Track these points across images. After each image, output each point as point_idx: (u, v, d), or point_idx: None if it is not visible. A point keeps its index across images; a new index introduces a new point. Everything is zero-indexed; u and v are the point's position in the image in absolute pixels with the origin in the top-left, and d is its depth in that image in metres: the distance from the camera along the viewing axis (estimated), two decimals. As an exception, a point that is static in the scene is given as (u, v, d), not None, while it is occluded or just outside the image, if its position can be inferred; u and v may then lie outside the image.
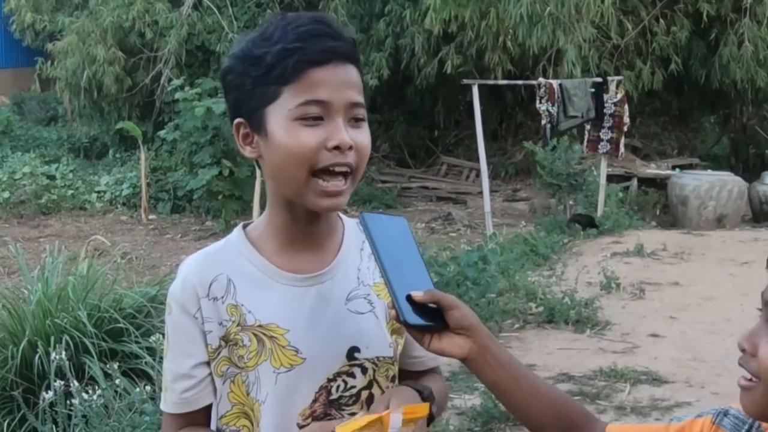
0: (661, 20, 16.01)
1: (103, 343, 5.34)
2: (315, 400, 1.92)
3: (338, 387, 1.94)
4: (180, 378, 1.94)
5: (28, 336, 5.35)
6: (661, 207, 15.33)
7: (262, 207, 1.88)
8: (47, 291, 5.71)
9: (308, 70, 1.81)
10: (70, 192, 16.47)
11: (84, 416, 4.59)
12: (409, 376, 2.08)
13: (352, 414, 1.91)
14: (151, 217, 15.51)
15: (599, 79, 13.59)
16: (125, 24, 17.34)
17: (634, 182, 15.79)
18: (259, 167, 1.96)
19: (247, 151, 1.91)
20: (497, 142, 19.13)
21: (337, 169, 1.82)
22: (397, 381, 2.03)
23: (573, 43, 14.23)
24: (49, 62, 19.03)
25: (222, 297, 1.91)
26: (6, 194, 15.85)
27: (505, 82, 15.40)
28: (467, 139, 18.83)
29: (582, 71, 14.27)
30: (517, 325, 8.46)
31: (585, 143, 13.71)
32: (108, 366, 4.91)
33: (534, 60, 15.48)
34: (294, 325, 1.91)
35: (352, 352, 1.94)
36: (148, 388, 4.74)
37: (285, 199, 1.90)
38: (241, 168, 14.00)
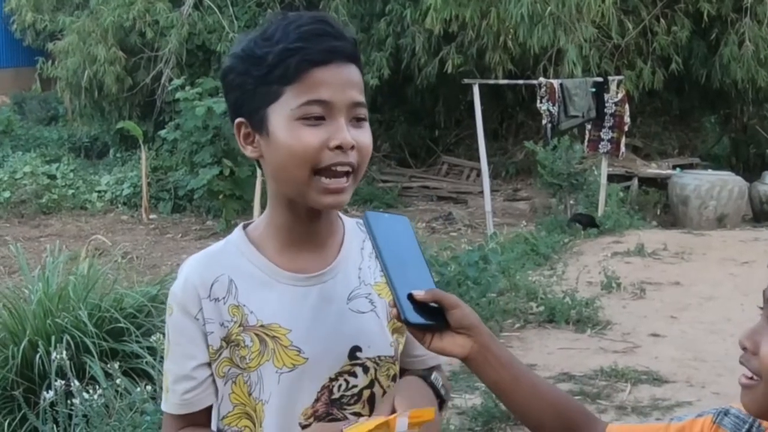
0: (662, 20, 16.00)
1: (104, 343, 5.35)
2: (317, 400, 1.91)
3: (340, 386, 1.94)
4: (181, 379, 1.93)
5: (29, 335, 5.36)
6: (662, 207, 15.32)
7: (263, 206, 1.88)
8: (48, 290, 5.71)
9: (310, 70, 1.81)
10: (70, 191, 16.47)
11: (85, 416, 4.60)
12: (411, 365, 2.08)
13: (355, 413, 1.91)
14: (151, 216, 15.51)
15: (600, 79, 13.59)
16: (126, 24, 17.34)
17: (635, 182, 15.79)
18: (260, 167, 1.96)
19: (249, 151, 1.91)
20: (498, 142, 19.13)
21: (339, 168, 1.83)
22: (398, 380, 2.02)
23: (574, 42, 14.23)
24: (50, 62, 19.03)
25: (223, 298, 1.91)
26: (7, 194, 15.85)
27: (505, 81, 15.40)
28: (468, 139, 18.82)
29: (583, 71, 14.26)
30: (517, 325, 8.46)
31: (586, 143, 13.71)
32: (109, 365, 4.92)
33: (535, 59, 15.46)
34: (296, 325, 1.90)
35: (353, 352, 1.94)
36: (148, 387, 4.74)
37: (286, 198, 1.90)
38: (241, 167, 14.00)
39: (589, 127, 13.55)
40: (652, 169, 16.37)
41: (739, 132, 19.96)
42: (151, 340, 5.12)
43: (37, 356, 5.19)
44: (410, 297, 1.76)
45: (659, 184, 15.81)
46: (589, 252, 11.65)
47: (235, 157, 13.87)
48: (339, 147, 1.81)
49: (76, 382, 4.67)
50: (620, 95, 13.46)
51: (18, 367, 5.24)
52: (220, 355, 1.91)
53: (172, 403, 1.96)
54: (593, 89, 13.27)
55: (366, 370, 1.96)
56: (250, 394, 1.92)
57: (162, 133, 15.56)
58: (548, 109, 12.95)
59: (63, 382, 4.63)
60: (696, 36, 16.37)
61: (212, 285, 1.91)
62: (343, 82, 1.83)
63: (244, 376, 1.91)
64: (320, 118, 1.81)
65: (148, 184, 15.73)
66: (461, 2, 14.63)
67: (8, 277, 9.97)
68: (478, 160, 14.31)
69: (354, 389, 1.95)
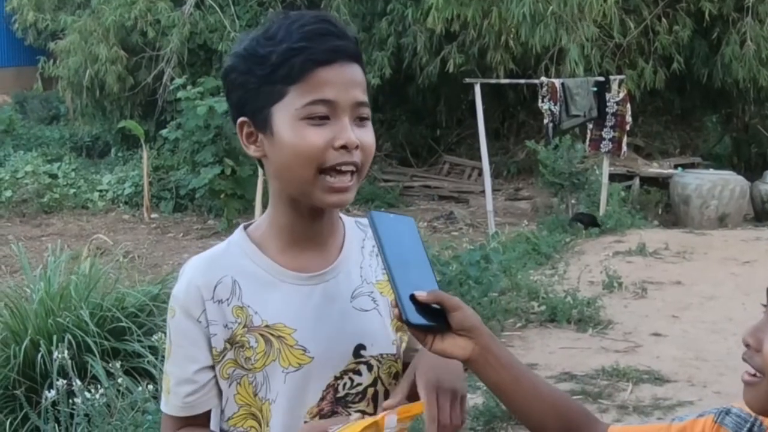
0: (664, 19, 15.99)
1: (106, 342, 5.35)
2: (322, 399, 1.92)
3: (345, 385, 1.94)
4: (183, 382, 1.93)
5: (31, 335, 5.36)
6: (663, 206, 15.32)
7: (265, 206, 1.88)
8: (49, 290, 5.72)
9: (315, 70, 1.81)
10: (72, 191, 16.47)
11: (86, 415, 4.60)
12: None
13: (360, 411, 1.92)
14: (153, 215, 15.50)
15: (601, 78, 13.58)
16: (127, 23, 17.33)
17: (636, 181, 15.79)
18: (262, 166, 1.96)
19: (251, 150, 1.91)
20: (499, 141, 19.12)
21: (344, 168, 1.83)
22: (400, 379, 2.02)
23: (575, 42, 14.22)
24: (52, 61, 19.02)
25: (227, 299, 1.91)
26: (8, 193, 15.86)
27: (507, 81, 15.39)
28: (469, 138, 18.79)
29: (584, 70, 14.26)
30: (519, 324, 8.46)
31: (587, 142, 13.71)
32: (110, 365, 4.92)
33: (536, 59, 15.46)
34: (301, 325, 1.91)
35: (358, 350, 1.94)
36: (150, 387, 4.74)
37: (289, 197, 1.90)
38: (243, 167, 14.01)
39: (590, 126, 13.55)
40: (654, 169, 16.36)
41: (741, 131, 19.95)
42: (152, 339, 5.12)
43: (39, 355, 5.19)
44: (412, 298, 1.76)
45: (661, 183, 15.81)
46: (590, 251, 11.64)
47: (237, 156, 13.88)
48: (344, 147, 1.81)
49: (78, 382, 4.67)
50: (622, 94, 13.45)
51: (20, 366, 5.24)
52: (224, 356, 1.91)
53: (173, 405, 1.96)
54: (595, 88, 13.27)
55: (370, 368, 1.96)
56: (255, 395, 1.92)
57: (163, 132, 15.57)
58: (550, 109, 12.96)
59: (65, 381, 4.63)
60: (697, 35, 16.35)
61: (216, 287, 1.91)
62: (347, 81, 1.84)
63: (249, 376, 1.91)
64: (324, 118, 1.82)
65: (150, 183, 15.73)
66: (463, 1, 14.63)
67: (10, 276, 9.97)
68: (479, 159, 14.32)
69: (359, 387, 1.95)
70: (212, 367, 1.92)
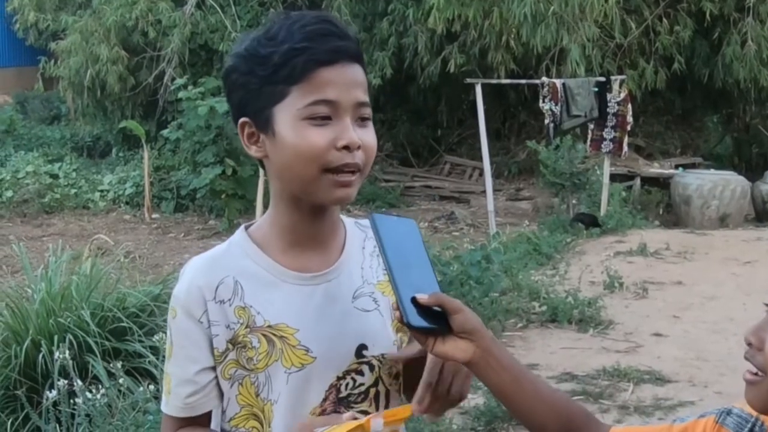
0: (665, 19, 15.99)
1: (107, 342, 5.35)
2: (325, 399, 1.92)
3: (347, 385, 1.94)
4: (184, 383, 1.93)
5: (32, 335, 5.36)
6: (664, 206, 15.32)
7: (266, 206, 1.89)
8: (51, 290, 5.72)
9: (317, 70, 1.81)
10: (73, 191, 16.48)
11: (87, 415, 4.60)
12: (414, 362, 2.08)
13: (362, 412, 1.91)
14: (154, 216, 15.51)
15: (602, 79, 13.59)
16: (128, 23, 17.34)
17: (637, 181, 15.78)
18: (263, 167, 1.96)
19: (253, 151, 1.91)
20: (500, 141, 19.12)
21: (346, 169, 1.83)
22: (401, 378, 2.03)
23: (576, 42, 14.22)
24: (53, 61, 19.03)
25: (229, 299, 1.90)
26: (9, 193, 15.87)
27: (508, 81, 15.40)
28: (470, 138, 18.79)
29: (585, 70, 14.26)
30: (520, 325, 8.46)
31: (588, 142, 13.72)
32: (111, 365, 4.92)
33: (537, 59, 15.47)
34: (303, 325, 1.91)
35: (360, 350, 1.94)
36: (151, 387, 4.74)
37: (292, 196, 1.90)
38: (244, 167, 14.02)
39: (591, 126, 13.56)
40: (655, 169, 16.36)
41: (742, 131, 19.96)
42: (153, 339, 5.12)
43: (40, 356, 5.19)
44: (413, 300, 1.76)
45: (662, 183, 15.81)
46: (591, 251, 11.64)
47: (238, 156, 13.89)
48: (346, 147, 1.81)
49: (79, 382, 4.67)
50: (623, 95, 13.45)
51: (21, 366, 5.24)
52: (225, 357, 1.91)
53: (173, 405, 1.95)
54: (596, 89, 13.27)
55: (372, 368, 1.96)
56: (257, 395, 1.91)
57: (164, 132, 15.59)
58: (551, 109, 12.95)
59: (66, 381, 4.63)
60: (698, 35, 16.36)
61: (218, 287, 1.91)
62: (349, 81, 1.84)
63: (251, 377, 1.90)
64: (326, 118, 1.82)
65: (151, 183, 15.73)
66: (464, 2, 14.64)
67: (11, 276, 9.96)
68: (480, 159, 14.33)
69: (361, 387, 1.95)
70: (213, 368, 1.92)
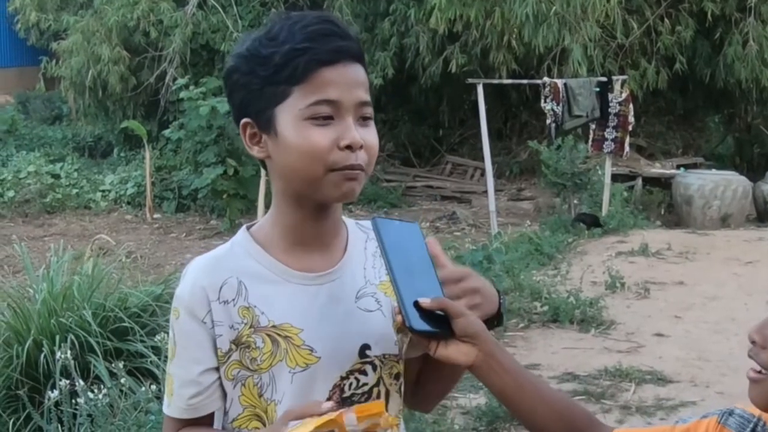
0: (666, 20, 15.99)
1: (108, 342, 5.35)
2: (329, 399, 1.90)
3: (351, 385, 1.94)
4: (187, 384, 1.92)
5: (34, 335, 5.36)
6: (666, 206, 15.31)
7: (267, 206, 1.88)
8: (52, 290, 5.72)
9: (318, 70, 1.81)
10: (74, 191, 16.49)
11: (89, 415, 4.60)
12: (417, 361, 2.08)
13: None
14: (155, 216, 15.52)
15: (604, 79, 13.59)
16: (130, 23, 17.35)
17: (639, 181, 15.78)
18: (264, 167, 1.96)
19: (255, 151, 1.91)
20: (502, 142, 19.12)
21: (351, 169, 1.83)
22: (401, 379, 2.04)
23: (578, 42, 14.22)
24: (54, 61, 19.06)
25: (233, 299, 1.90)
26: (11, 193, 15.88)
27: (509, 81, 15.39)
28: (472, 139, 18.79)
29: (587, 70, 14.26)
30: (521, 325, 8.45)
31: (590, 142, 13.72)
32: (113, 365, 4.92)
33: (539, 59, 15.47)
34: (307, 325, 1.90)
35: (363, 350, 1.94)
36: (153, 387, 4.74)
37: (295, 196, 1.89)
38: (245, 167, 14.03)
39: (593, 126, 13.56)
40: (656, 169, 16.36)
41: (743, 132, 19.95)
42: (155, 339, 5.12)
43: (42, 356, 5.18)
44: (416, 304, 1.76)
45: (663, 183, 15.80)
46: (593, 252, 11.64)
47: (239, 156, 13.90)
48: (349, 147, 1.81)
49: (81, 382, 4.67)
50: (624, 95, 13.45)
51: (22, 366, 5.24)
52: (229, 357, 1.90)
53: (176, 407, 1.95)
54: (597, 89, 13.27)
55: (375, 367, 1.96)
56: (260, 396, 1.91)
57: (166, 132, 15.60)
58: (552, 109, 12.96)
59: (67, 381, 4.63)
60: (700, 36, 16.36)
61: (221, 287, 1.90)
62: (351, 81, 1.84)
63: (254, 378, 1.90)
64: (329, 118, 1.82)
65: (152, 183, 15.74)
66: (466, 2, 14.64)
67: (13, 276, 9.96)
68: (482, 159, 14.34)
69: (364, 387, 1.95)
70: (216, 369, 1.92)
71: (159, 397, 4.64)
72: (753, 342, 1.74)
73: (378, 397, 1.97)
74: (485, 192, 14.24)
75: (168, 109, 17.39)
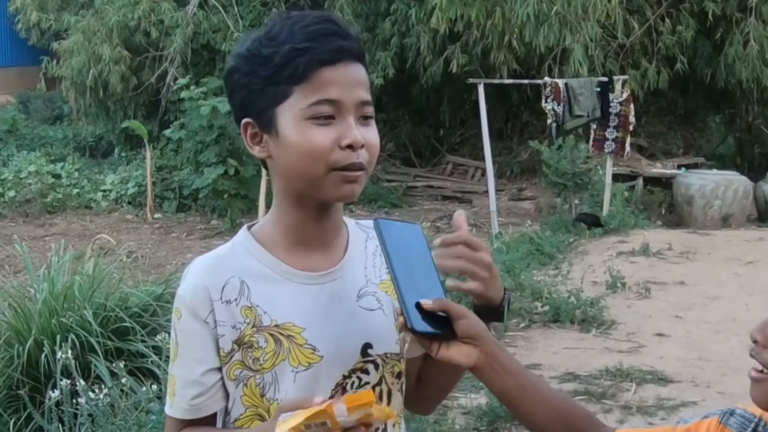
0: (667, 19, 15.98)
1: (109, 342, 5.35)
2: (331, 398, 1.91)
3: (353, 383, 1.94)
4: (190, 384, 1.92)
5: (34, 335, 5.36)
6: (667, 206, 15.30)
7: (268, 206, 1.88)
8: (53, 290, 5.72)
9: (319, 70, 1.81)
10: (75, 191, 16.49)
11: (90, 415, 4.60)
12: (417, 361, 2.09)
13: None
14: (156, 215, 15.52)
15: (605, 79, 13.59)
16: (131, 23, 17.35)
17: (640, 181, 15.76)
18: (265, 167, 1.96)
19: (256, 151, 1.91)
20: (503, 141, 19.12)
21: (352, 168, 1.83)
22: (403, 378, 2.04)
23: (579, 42, 14.22)
24: (55, 61, 19.06)
25: (236, 299, 1.90)
26: (12, 193, 15.89)
27: (510, 81, 15.39)
28: (473, 138, 18.79)
29: (588, 70, 14.25)
30: (522, 325, 8.45)
31: (590, 142, 13.72)
32: (114, 365, 4.92)
33: (540, 59, 15.47)
34: (310, 324, 1.90)
35: (365, 349, 1.95)
36: (154, 387, 4.74)
37: (296, 196, 1.90)
38: (246, 167, 14.04)
39: (594, 126, 13.56)
40: (657, 169, 16.34)
41: (744, 132, 19.94)
42: (156, 339, 5.12)
43: (43, 355, 5.19)
44: (418, 305, 1.77)
45: (664, 183, 15.79)
46: (593, 252, 11.64)
47: (240, 156, 13.91)
48: (350, 146, 1.81)
49: (82, 382, 4.67)
50: (625, 95, 13.45)
51: (23, 366, 5.25)
52: (231, 358, 1.90)
53: (179, 407, 1.94)
54: (598, 89, 13.27)
55: (377, 366, 1.97)
56: (263, 396, 1.91)
57: (167, 132, 15.61)
58: (553, 109, 12.96)
59: (68, 381, 4.63)
60: (701, 35, 16.35)
61: (224, 287, 1.90)
62: (351, 81, 1.84)
63: (256, 378, 1.90)
64: (330, 118, 1.82)
65: (153, 183, 15.74)
66: (466, 2, 14.64)
67: (13, 276, 9.96)
68: (482, 159, 14.34)
69: (366, 386, 1.95)
70: (219, 369, 1.91)
71: (160, 397, 4.65)
72: (755, 341, 1.74)
73: (380, 395, 1.97)
74: (486, 192, 14.24)
75: (169, 108, 17.39)
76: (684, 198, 14.60)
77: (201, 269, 1.94)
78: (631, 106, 13.49)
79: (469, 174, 18.45)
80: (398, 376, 2.02)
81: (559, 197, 14.57)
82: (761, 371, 1.72)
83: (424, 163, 19.64)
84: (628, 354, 7.69)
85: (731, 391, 6.60)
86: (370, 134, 1.87)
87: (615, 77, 13.73)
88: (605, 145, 13.48)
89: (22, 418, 5.00)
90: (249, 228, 2.00)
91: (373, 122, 1.89)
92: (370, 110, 1.88)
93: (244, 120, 1.90)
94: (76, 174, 17.31)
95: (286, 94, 1.82)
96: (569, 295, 8.83)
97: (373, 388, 1.96)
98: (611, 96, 13.31)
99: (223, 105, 13.65)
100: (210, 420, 1.95)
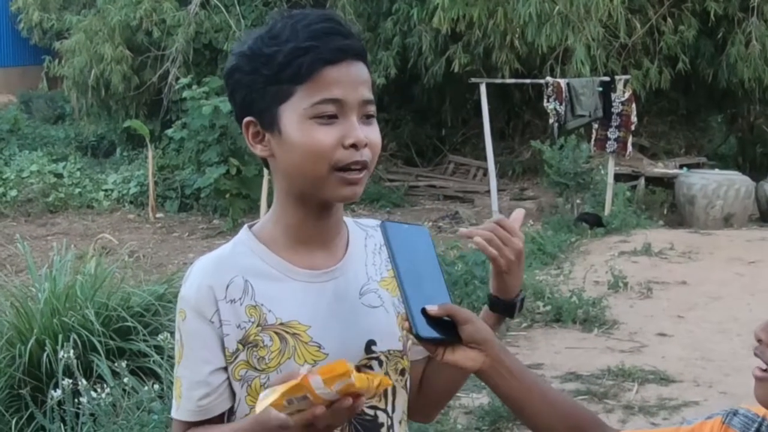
0: (669, 19, 15.98)
1: (111, 342, 5.35)
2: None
3: None
4: (196, 385, 1.91)
5: (36, 334, 5.36)
6: (669, 206, 15.29)
7: (270, 205, 1.88)
8: (55, 289, 5.72)
9: (323, 69, 1.81)
10: (77, 190, 16.49)
11: (92, 415, 4.60)
12: (421, 363, 2.09)
13: (372, 408, 1.93)
14: (158, 215, 15.52)
15: (607, 78, 13.60)
16: (133, 22, 17.37)
17: (642, 181, 15.75)
18: (267, 166, 1.95)
19: (258, 150, 1.90)
20: (505, 141, 19.11)
21: (355, 167, 1.83)
22: (407, 375, 2.04)
23: (581, 42, 14.21)
24: (57, 60, 19.07)
25: (240, 299, 1.89)
26: (14, 192, 15.89)
27: (512, 80, 15.39)
28: (475, 138, 18.81)
29: (590, 70, 14.25)
30: (524, 324, 8.45)
31: (592, 142, 13.73)
32: (116, 364, 4.92)
33: (542, 59, 15.47)
34: (315, 322, 1.90)
35: (369, 346, 1.95)
36: (156, 386, 4.73)
37: (299, 194, 1.90)
38: (248, 166, 14.05)
39: (595, 126, 13.56)
40: (659, 169, 16.33)
41: (746, 131, 19.92)
42: (158, 338, 5.11)
43: (45, 355, 5.19)
44: (423, 310, 1.76)
45: (666, 183, 15.78)
46: (595, 251, 11.63)
47: (242, 155, 13.92)
48: (353, 145, 1.82)
49: (84, 381, 4.67)
50: (627, 94, 13.46)
51: (25, 365, 5.25)
52: (236, 357, 1.90)
53: (186, 410, 1.93)
54: (600, 88, 13.28)
55: (381, 363, 1.96)
56: (267, 396, 1.90)
57: (169, 131, 15.62)
58: (555, 109, 12.97)
59: (70, 380, 4.63)
60: (703, 35, 16.35)
61: (228, 286, 1.90)
62: (354, 80, 1.84)
63: (261, 378, 1.89)
64: (333, 117, 1.82)
65: (155, 182, 15.74)
66: (468, 1, 14.63)
67: (15, 275, 9.94)
68: (484, 159, 14.34)
69: None
70: (225, 369, 1.91)
71: (162, 397, 4.65)
72: (759, 340, 1.74)
73: (384, 393, 1.96)
74: (488, 192, 14.25)
75: (171, 108, 17.40)
76: (686, 198, 14.59)
77: (204, 269, 1.94)
78: (633, 105, 13.49)
79: (471, 174, 18.44)
80: (402, 372, 2.02)
81: (560, 197, 14.56)
82: (766, 370, 1.72)
83: (426, 162, 19.63)
84: (630, 354, 7.69)
85: (733, 391, 6.60)
86: (373, 133, 1.87)
87: (617, 77, 13.74)
88: (607, 145, 13.49)
89: (24, 418, 5.01)
90: (250, 227, 2.00)
91: (375, 121, 1.89)
92: (372, 109, 1.88)
93: (246, 119, 1.89)
94: (78, 173, 17.32)
95: (288, 93, 1.82)
96: (571, 294, 8.83)
97: None
98: (613, 96, 13.32)
99: (225, 105, 13.65)
100: (218, 420, 1.94)
